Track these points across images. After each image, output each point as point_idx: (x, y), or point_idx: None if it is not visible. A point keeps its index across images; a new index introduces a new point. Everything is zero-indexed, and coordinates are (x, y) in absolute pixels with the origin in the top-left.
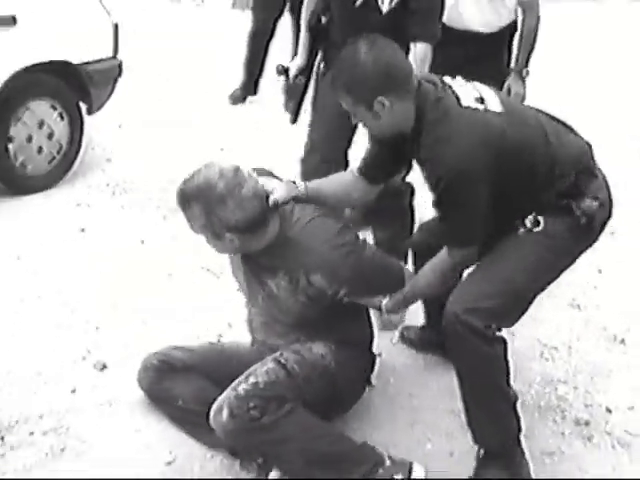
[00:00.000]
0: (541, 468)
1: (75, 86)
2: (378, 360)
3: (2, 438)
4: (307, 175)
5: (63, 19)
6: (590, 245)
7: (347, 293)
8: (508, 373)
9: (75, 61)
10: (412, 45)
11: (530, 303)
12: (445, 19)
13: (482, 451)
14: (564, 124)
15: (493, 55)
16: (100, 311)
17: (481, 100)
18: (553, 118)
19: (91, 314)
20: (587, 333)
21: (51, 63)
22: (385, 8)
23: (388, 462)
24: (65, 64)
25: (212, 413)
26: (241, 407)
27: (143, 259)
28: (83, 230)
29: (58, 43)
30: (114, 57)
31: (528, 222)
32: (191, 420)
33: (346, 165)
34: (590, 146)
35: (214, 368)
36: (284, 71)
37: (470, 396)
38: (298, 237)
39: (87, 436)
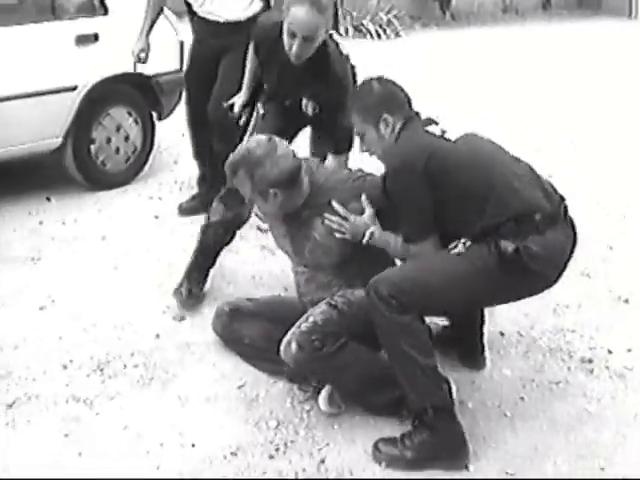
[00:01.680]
0: (549, 394)
1: (148, 95)
2: None
3: (102, 370)
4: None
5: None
6: (525, 291)
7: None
8: (419, 344)
9: (148, 73)
10: (329, 155)
11: (439, 307)
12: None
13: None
14: (531, 171)
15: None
16: (174, 276)
17: (443, 132)
18: (519, 161)
19: (166, 279)
20: (595, 295)
21: (127, 75)
22: (310, 113)
23: None
24: (139, 76)
25: (282, 347)
26: (306, 340)
27: None
28: (157, 217)
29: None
30: (180, 70)
31: (460, 244)
32: (256, 355)
33: None
34: (558, 205)
35: (276, 313)
36: (230, 107)
37: (390, 362)
38: (327, 183)
39: (171, 369)
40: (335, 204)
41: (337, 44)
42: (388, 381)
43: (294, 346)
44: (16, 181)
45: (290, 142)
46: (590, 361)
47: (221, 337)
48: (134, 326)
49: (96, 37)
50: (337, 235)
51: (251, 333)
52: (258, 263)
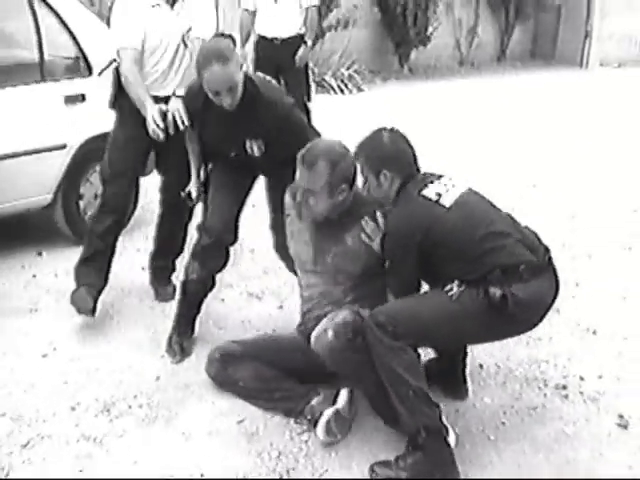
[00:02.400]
0: (528, 419)
1: None
2: None
3: (108, 410)
4: (206, 239)
5: None
6: (511, 333)
7: None
8: (411, 368)
9: None
10: None
11: (430, 341)
12: None
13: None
14: (517, 226)
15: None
16: (166, 322)
17: (438, 195)
18: (508, 217)
19: (160, 324)
20: (565, 328)
21: None
22: (257, 154)
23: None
24: None
25: (316, 335)
26: (341, 331)
27: None
28: (144, 269)
29: None
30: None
31: (455, 287)
32: (251, 395)
33: (236, 232)
34: (543, 256)
35: (265, 353)
36: (188, 196)
37: (386, 385)
38: (369, 197)
39: (173, 408)
40: (378, 213)
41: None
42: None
43: (330, 333)
44: (7, 237)
45: (245, 197)
46: (564, 387)
47: (215, 381)
48: (134, 369)
49: (83, 97)
50: (365, 239)
51: (244, 376)
52: (245, 308)
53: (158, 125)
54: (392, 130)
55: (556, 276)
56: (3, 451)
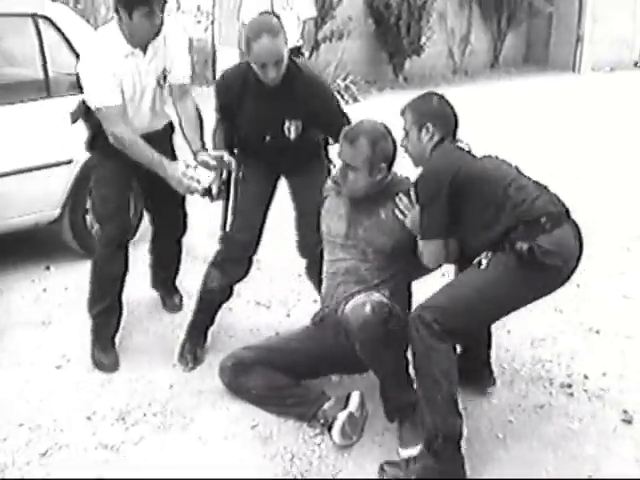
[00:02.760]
0: (534, 416)
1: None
2: None
3: (123, 419)
4: (230, 251)
5: None
6: (547, 286)
7: None
8: (448, 373)
9: None
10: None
11: (478, 318)
12: None
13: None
14: (538, 185)
15: None
16: (176, 331)
17: (469, 150)
18: (529, 178)
19: (170, 334)
20: (568, 328)
21: None
22: (293, 137)
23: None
24: None
25: (351, 308)
26: (379, 308)
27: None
28: None
29: None
30: None
31: (483, 259)
32: (264, 402)
33: (257, 245)
34: (560, 209)
35: (277, 356)
36: (208, 192)
37: (417, 383)
38: (406, 180)
39: (188, 414)
40: (412, 191)
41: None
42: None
43: (368, 307)
44: (16, 251)
45: (269, 205)
46: (569, 386)
47: (229, 389)
48: (148, 378)
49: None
50: (398, 214)
51: (256, 384)
52: (253, 317)
53: (193, 179)
54: (442, 96)
55: (577, 227)
56: (22, 460)
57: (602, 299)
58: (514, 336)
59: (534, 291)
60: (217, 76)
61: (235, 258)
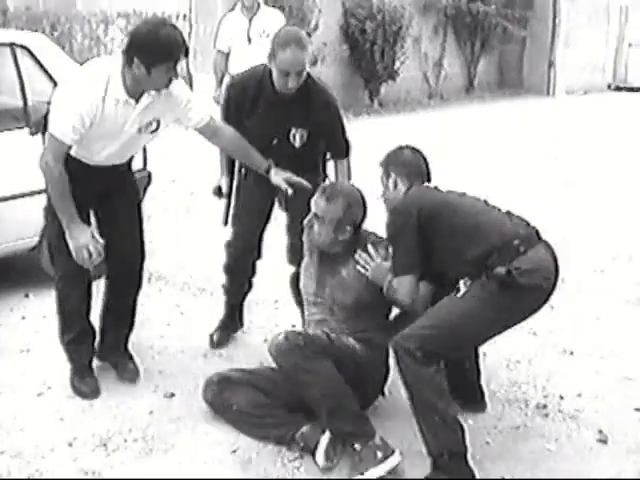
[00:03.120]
0: (511, 438)
1: None
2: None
3: (105, 445)
4: (232, 258)
5: None
6: (532, 305)
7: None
8: (440, 393)
9: None
10: (337, 162)
11: (460, 344)
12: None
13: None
14: (505, 212)
15: None
16: (156, 358)
17: (435, 187)
18: (496, 207)
19: (150, 361)
20: (543, 350)
21: None
22: (297, 144)
23: (378, 439)
24: None
25: (271, 340)
26: (293, 336)
27: (182, 327)
28: None
29: None
30: (144, 169)
31: (462, 285)
32: (244, 420)
33: (259, 249)
34: (530, 231)
35: (261, 381)
36: (219, 190)
37: (412, 410)
38: (366, 233)
39: (169, 440)
40: (369, 245)
41: None
42: (346, 416)
43: (282, 336)
44: None
45: (269, 216)
46: (545, 407)
47: (211, 405)
48: (128, 405)
49: None
50: (360, 270)
51: (239, 400)
52: (232, 343)
53: (90, 253)
54: (414, 148)
55: (550, 246)
56: None
57: (576, 321)
58: (490, 358)
59: (519, 312)
60: None
61: (236, 265)
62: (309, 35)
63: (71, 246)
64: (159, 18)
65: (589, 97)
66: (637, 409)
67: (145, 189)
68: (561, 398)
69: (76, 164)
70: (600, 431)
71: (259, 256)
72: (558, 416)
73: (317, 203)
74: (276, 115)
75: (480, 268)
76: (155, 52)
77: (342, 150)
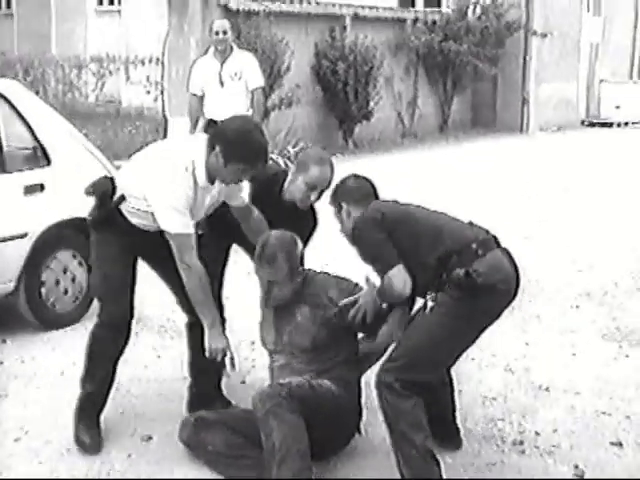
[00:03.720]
0: (488, 474)
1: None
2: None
3: None
4: None
5: (79, 184)
6: (495, 308)
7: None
8: (418, 426)
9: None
10: None
11: (438, 360)
12: None
13: None
14: (469, 223)
15: None
16: (133, 401)
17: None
18: (450, 216)
19: (127, 405)
20: (518, 386)
21: (71, 220)
22: None
23: None
24: (82, 220)
25: (255, 391)
26: (277, 386)
27: (159, 370)
28: None
29: (77, 203)
30: None
31: (429, 302)
32: (219, 460)
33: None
34: (489, 237)
35: (236, 422)
36: None
37: (391, 443)
38: (317, 278)
39: None
40: (344, 301)
41: None
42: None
43: (266, 384)
44: None
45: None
46: (521, 443)
47: (187, 446)
48: (107, 448)
49: (42, 187)
50: (359, 314)
51: (215, 440)
52: None
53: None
54: (356, 175)
55: (509, 252)
56: None
57: (552, 357)
58: (466, 396)
59: (484, 316)
60: None
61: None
62: (281, 77)
63: (210, 346)
64: (253, 121)
65: (563, 133)
66: (613, 443)
67: None
68: (537, 434)
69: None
70: (576, 466)
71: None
72: (534, 452)
73: (264, 272)
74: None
75: (441, 273)
76: (239, 150)
77: None
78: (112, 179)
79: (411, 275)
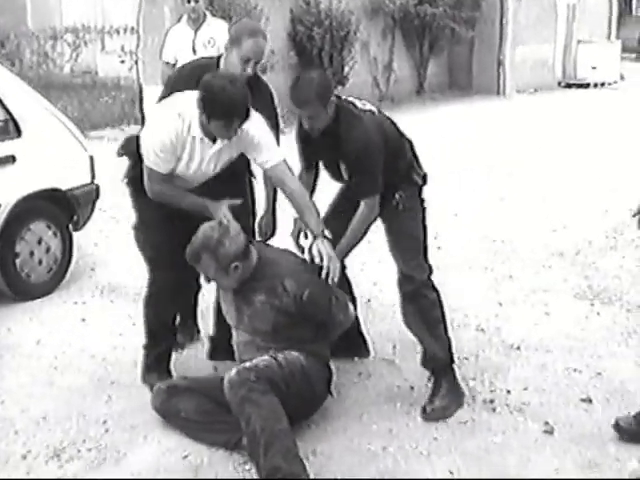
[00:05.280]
0: (458, 433)
1: (64, 208)
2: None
3: (58, 456)
4: None
5: (51, 155)
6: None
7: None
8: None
9: (63, 188)
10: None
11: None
12: None
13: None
14: None
15: None
16: (109, 369)
17: (371, 110)
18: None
19: (103, 372)
20: (490, 346)
21: (45, 191)
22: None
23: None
24: (56, 191)
25: (225, 375)
26: (245, 371)
27: (135, 337)
28: (84, 320)
29: (49, 174)
30: (92, 183)
31: (397, 196)
32: (192, 427)
33: None
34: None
35: (208, 389)
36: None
37: (423, 326)
38: (271, 257)
39: (121, 449)
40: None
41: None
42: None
43: (234, 371)
44: None
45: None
46: (492, 401)
47: (159, 413)
48: (81, 415)
49: (14, 158)
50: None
51: (186, 407)
52: (184, 352)
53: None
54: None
55: None
56: None
57: (524, 316)
58: None
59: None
60: (144, 115)
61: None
62: None
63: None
64: (232, 75)
65: (539, 95)
66: (583, 400)
67: (94, 202)
68: (508, 392)
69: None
70: (546, 423)
71: None
72: (505, 410)
73: (198, 269)
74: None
75: (407, 175)
76: (214, 108)
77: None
78: (138, 137)
79: (385, 182)
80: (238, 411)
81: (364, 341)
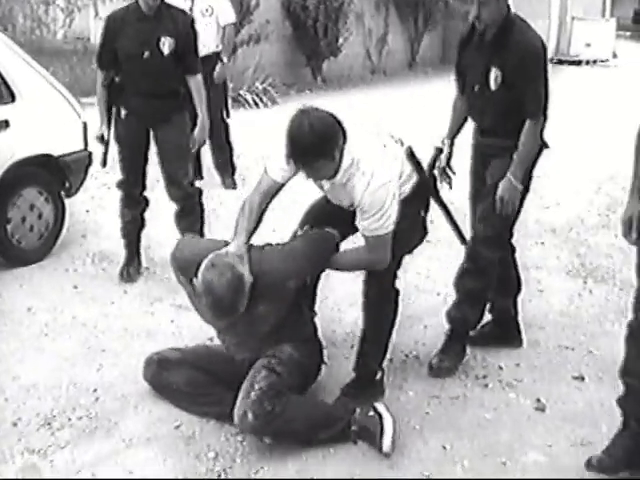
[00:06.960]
0: (451, 407)
1: (56, 175)
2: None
3: (49, 424)
4: (124, 193)
5: (45, 121)
6: None
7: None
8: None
9: (56, 154)
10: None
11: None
12: None
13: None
14: None
15: None
16: (100, 337)
17: None
18: None
19: (94, 340)
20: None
21: (37, 157)
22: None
23: (358, 411)
24: (48, 157)
25: (238, 418)
26: (260, 408)
27: (125, 305)
28: (76, 287)
29: (43, 140)
30: (85, 149)
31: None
32: (184, 399)
33: (144, 182)
34: None
35: (200, 361)
36: (102, 137)
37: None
38: (267, 269)
39: (112, 418)
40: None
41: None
42: (330, 418)
43: (250, 416)
44: None
45: (147, 151)
46: (484, 377)
47: (151, 384)
48: (72, 384)
49: (7, 123)
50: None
51: (177, 380)
52: (176, 320)
53: None
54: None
55: None
56: None
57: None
58: (430, 331)
59: None
60: None
61: (130, 197)
62: (251, 14)
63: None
64: None
65: None
66: (575, 377)
67: (86, 169)
68: (500, 368)
69: None
70: (538, 400)
71: (144, 188)
72: (497, 386)
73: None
74: (142, 32)
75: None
76: None
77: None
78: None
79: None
80: (277, 438)
81: (519, 331)
